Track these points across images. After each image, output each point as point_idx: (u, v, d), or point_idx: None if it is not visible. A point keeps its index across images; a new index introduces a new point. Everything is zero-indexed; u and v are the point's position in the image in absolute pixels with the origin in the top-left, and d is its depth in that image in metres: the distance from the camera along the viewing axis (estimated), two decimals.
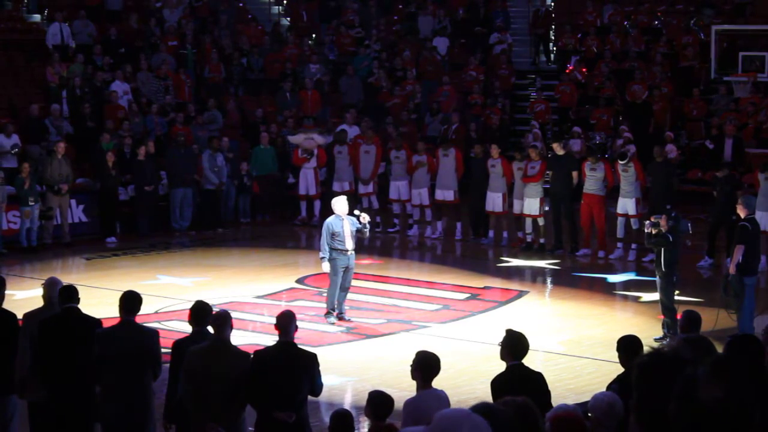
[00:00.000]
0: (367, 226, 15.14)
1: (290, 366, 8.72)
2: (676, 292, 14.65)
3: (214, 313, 9.16)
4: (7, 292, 10.16)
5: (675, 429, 3.76)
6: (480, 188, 21.04)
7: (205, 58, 27.16)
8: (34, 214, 20.41)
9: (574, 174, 20.20)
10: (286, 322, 8.91)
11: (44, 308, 9.90)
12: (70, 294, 9.59)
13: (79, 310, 9.61)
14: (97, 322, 9.63)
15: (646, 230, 14.69)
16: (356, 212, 15.19)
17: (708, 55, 26.42)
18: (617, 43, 28.32)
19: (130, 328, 9.33)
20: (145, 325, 9.88)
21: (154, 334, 9.48)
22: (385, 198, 22.74)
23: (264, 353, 9.06)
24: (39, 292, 10.49)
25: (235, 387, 8.63)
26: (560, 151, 20.60)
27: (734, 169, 20.98)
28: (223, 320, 8.87)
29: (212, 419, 8.57)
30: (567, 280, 18.74)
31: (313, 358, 8.90)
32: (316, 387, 8.87)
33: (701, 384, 3.72)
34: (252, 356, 8.94)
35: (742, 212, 14.60)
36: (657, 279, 14.57)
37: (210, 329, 9.15)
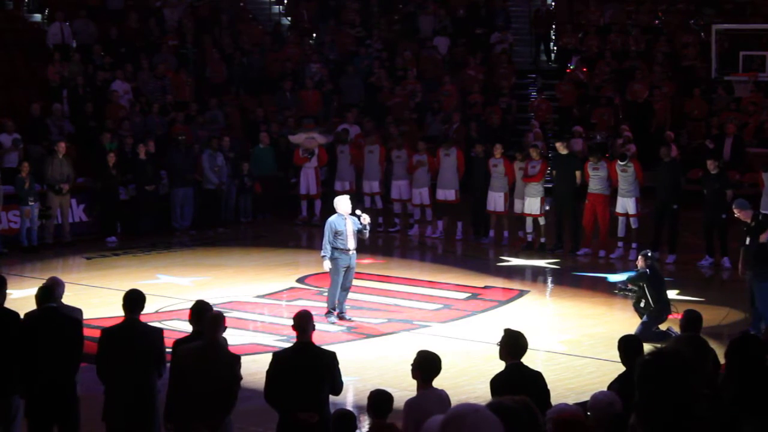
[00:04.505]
0: (368, 227, 15.13)
1: (310, 366, 8.72)
2: (674, 308, 14.60)
3: (207, 314, 9.13)
4: (7, 291, 10.16)
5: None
6: (481, 188, 21.05)
7: (205, 58, 27.16)
8: (34, 214, 20.42)
9: (577, 173, 20.19)
10: (303, 322, 8.92)
11: None
12: (48, 294, 9.58)
13: (57, 309, 9.60)
14: (77, 321, 9.65)
15: (621, 288, 15.04)
16: (357, 212, 15.19)
17: (709, 54, 26.41)
18: (618, 43, 28.32)
19: (135, 326, 9.35)
20: (149, 323, 9.89)
21: (158, 332, 9.51)
22: (386, 198, 22.76)
23: (282, 354, 9.08)
24: None
25: (222, 389, 8.62)
26: (563, 151, 20.59)
27: (728, 168, 20.97)
28: (216, 321, 8.85)
29: (198, 419, 8.56)
30: (568, 279, 18.75)
31: (332, 356, 8.90)
32: (337, 386, 8.89)
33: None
34: (270, 357, 8.95)
35: (746, 216, 14.52)
36: (644, 317, 14.47)
37: None
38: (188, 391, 8.63)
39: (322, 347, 9.15)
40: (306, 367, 8.72)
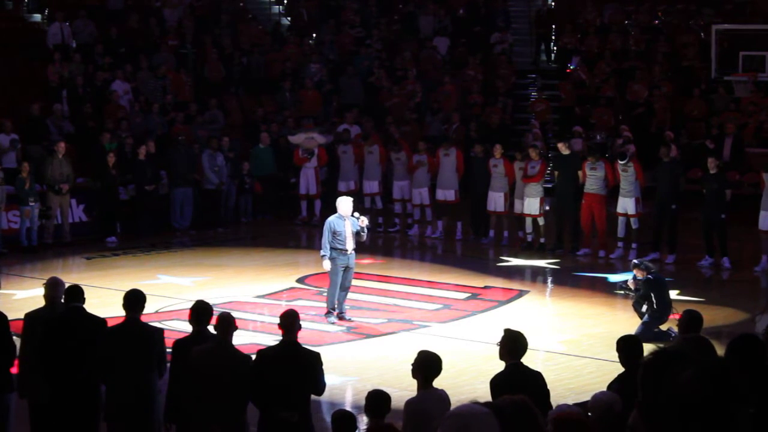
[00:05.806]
0: (365, 230, 15.13)
1: (293, 365, 8.72)
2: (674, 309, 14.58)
3: (218, 315, 9.13)
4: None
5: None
6: (480, 188, 21.05)
7: (205, 58, 27.15)
8: (34, 214, 20.42)
9: (579, 173, 20.19)
10: (289, 322, 8.92)
11: (46, 308, 9.90)
12: (75, 294, 9.60)
13: (84, 309, 9.61)
14: (102, 322, 9.64)
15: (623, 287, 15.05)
16: (356, 215, 15.19)
17: (708, 54, 26.42)
18: (618, 43, 28.33)
19: (135, 326, 9.35)
20: (150, 323, 9.89)
21: (159, 332, 9.52)
22: (386, 198, 22.77)
23: (267, 352, 9.06)
24: (39, 291, 10.48)
25: (236, 389, 8.64)
26: (565, 151, 20.59)
27: (728, 169, 20.95)
28: (227, 322, 8.87)
29: (213, 420, 8.58)
30: (567, 279, 18.74)
31: (316, 357, 8.91)
32: (320, 386, 8.89)
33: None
34: (255, 355, 8.95)
35: None
36: (645, 317, 14.44)
37: (211, 329, 9.15)
38: (202, 392, 8.63)
39: (307, 347, 9.14)
40: (290, 366, 8.70)
